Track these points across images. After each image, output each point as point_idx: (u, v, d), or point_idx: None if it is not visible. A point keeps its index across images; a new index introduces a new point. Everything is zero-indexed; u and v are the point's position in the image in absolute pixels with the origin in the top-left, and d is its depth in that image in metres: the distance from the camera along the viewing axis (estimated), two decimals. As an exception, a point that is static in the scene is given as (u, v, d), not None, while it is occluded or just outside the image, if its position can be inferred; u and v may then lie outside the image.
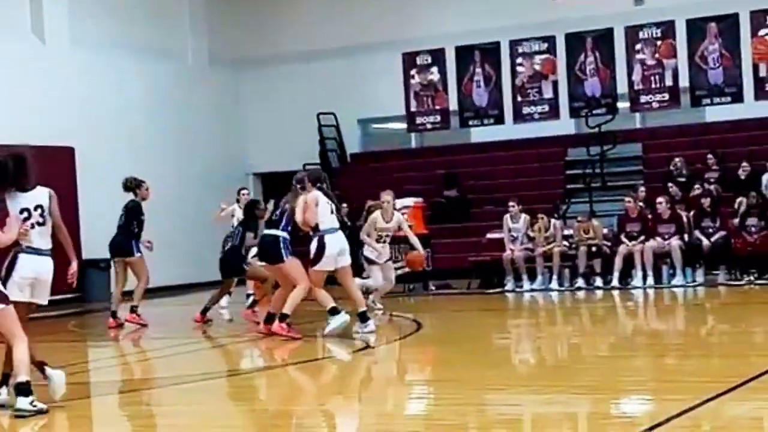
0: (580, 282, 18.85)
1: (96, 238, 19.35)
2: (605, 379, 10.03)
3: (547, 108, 23.51)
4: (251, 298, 16.86)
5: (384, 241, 16.49)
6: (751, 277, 18.08)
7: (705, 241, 18.48)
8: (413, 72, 24.62)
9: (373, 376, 11.50)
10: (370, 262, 16.46)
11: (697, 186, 19.88)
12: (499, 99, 23.93)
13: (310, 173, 13.92)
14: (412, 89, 24.68)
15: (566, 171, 23.26)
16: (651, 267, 18.51)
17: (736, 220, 18.70)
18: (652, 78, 22.55)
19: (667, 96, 22.51)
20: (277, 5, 26.51)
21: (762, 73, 21.79)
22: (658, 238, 18.62)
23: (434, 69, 24.45)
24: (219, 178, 24.96)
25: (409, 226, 16.94)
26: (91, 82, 23.00)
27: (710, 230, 18.62)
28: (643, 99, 22.78)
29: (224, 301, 17.47)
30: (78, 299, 20.35)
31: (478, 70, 24.02)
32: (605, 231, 19.33)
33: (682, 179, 20.40)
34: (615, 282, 18.59)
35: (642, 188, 20.11)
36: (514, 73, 23.74)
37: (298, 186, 13.70)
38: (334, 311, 13.42)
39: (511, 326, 15.87)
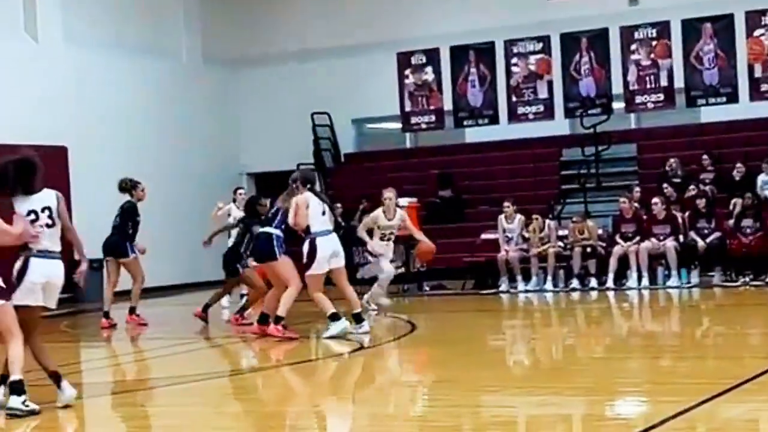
0: (574, 283, 18.81)
1: (89, 238, 19.18)
2: (600, 380, 10.01)
3: (541, 108, 23.47)
4: (244, 299, 16.80)
5: (388, 239, 16.41)
6: (747, 279, 18.04)
7: (700, 242, 18.45)
8: (408, 72, 24.57)
9: (367, 377, 11.46)
10: (376, 254, 16.42)
11: (692, 187, 19.85)
12: (493, 99, 23.89)
13: (301, 174, 13.85)
14: (406, 89, 24.64)
15: (561, 171, 23.23)
16: (646, 268, 18.48)
17: (732, 221, 18.67)
18: (647, 78, 22.52)
19: (662, 96, 22.48)
20: (272, 4, 26.47)
21: (757, 74, 21.78)
22: (653, 239, 18.59)
23: (429, 69, 24.40)
24: (213, 178, 24.90)
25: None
26: (85, 80, 22.92)
27: (705, 231, 18.59)
28: (638, 99, 22.76)
29: (225, 300, 17.43)
30: (70, 299, 20.28)
31: (473, 70, 23.98)
32: (600, 232, 19.31)
33: (677, 180, 20.37)
34: (610, 283, 18.56)
35: (637, 189, 20.08)
36: (508, 73, 23.69)
37: (294, 186, 13.66)
38: (334, 317, 13.38)
39: (506, 327, 15.85)
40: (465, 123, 24.36)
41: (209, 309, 16.18)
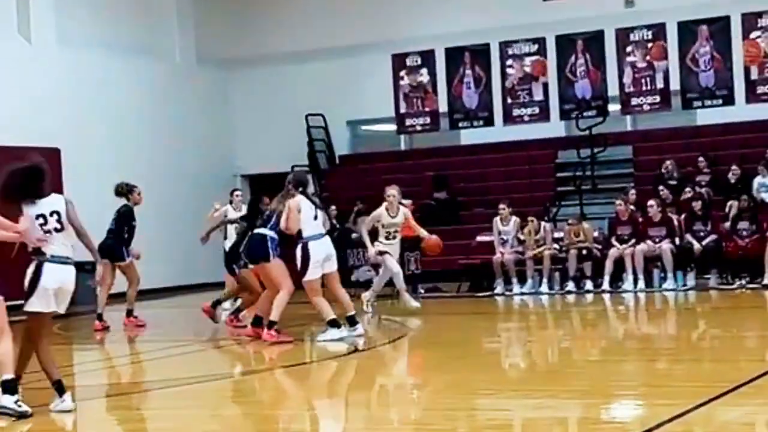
0: (570, 285, 18.77)
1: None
2: (596, 383, 9.97)
3: (537, 110, 23.42)
4: (239, 301, 16.74)
5: (393, 237, 16.32)
6: (743, 281, 18.02)
7: (696, 245, 18.42)
8: (402, 73, 24.52)
9: (362, 380, 11.39)
10: (382, 252, 16.35)
11: (688, 189, 19.81)
12: (488, 101, 23.83)
13: (294, 177, 13.75)
14: (401, 91, 24.58)
15: (556, 174, 23.18)
16: (642, 271, 18.45)
17: (728, 224, 18.65)
18: (643, 80, 22.47)
19: (658, 98, 22.43)
20: (266, 5, 26.40)
21: (753, 76, 21.73)
22: (649, 242, 18.56)
23: (424, 70, 24.34)
24: (207, 179, 24.84)
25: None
26: (78, 81, 22.84)
27: (701, 234, 18.56)
28: (634, 101, 22.71)
29: (228, 303, 17.37)
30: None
31: (468, 71, 23.92)
32: (596, 234, 19.27)
33: (673, 182, 20.34)
34: (605, 285, 18.52)
35: (632, 191, 20.04)
36: (504, 75, 23.64)
37: (289, 187, 13.61)
38: (334, 323, 13.33)
39: (501, 330, 15.79)
40: (460, 125, 24.31)
41: (219, 305, 16.13)
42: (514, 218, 19.37)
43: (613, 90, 22.79)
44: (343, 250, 19.24)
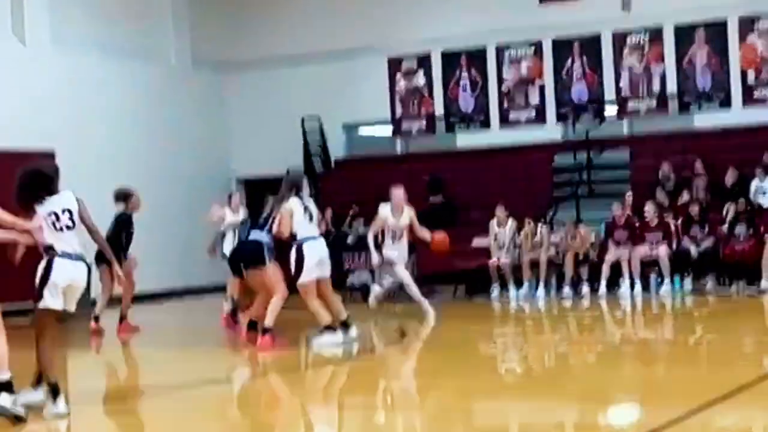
0: (567, 289, 18.71)
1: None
2: (592, 388, 9.94)
3: (533, 113, 23.41)
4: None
5: (399, 239, 16.17)
6: (740, 285, 17.96)
7: (693, 249, 18.38)
8: (399, 76, 24.51)
9: (357, 384, 11.35)
10: (390, 262, 16.20)
11: (684, 193, 19.75)
12: (485, 104, 23.83)
13: (288, 179, 13.64)
14: (397, 94, 24.57)
15: (553, 177, 23.10)
16: (638, 275, 18.41)
17: (725, 228, 18.59)
18: (640, 84, 22.46)
19: (654, 102, 22.43)
20: (262, 7, 26.34)
21: (750, 80, 21.75)
22: (646, 246, 18.50)
23: (420, 74, 24.34)
24: (202, 181, 24.77)
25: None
26: (73, 83, 22.76)
27: (698, 238, 18.52)
28: (631, 105, 22.70)
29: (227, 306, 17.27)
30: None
31: (465, 74, 23.91)
32: (592, 238, 19.21)
33: (670, 186, 20.29)
34: (602, 290, 18.46)
35: (629, 195, 19.98)
36: (500, 78, 23.63)
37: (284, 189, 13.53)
38: (329, 328, 13.27)
39: (498, 334, 15.74)
40: (456, 128, 24.28)
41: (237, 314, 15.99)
42: (510, 222, 19.31)
43: (609, 93, 22.79)
44: (339, 254, 19.18)
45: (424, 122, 24.45)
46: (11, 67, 21.80)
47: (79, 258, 9.15)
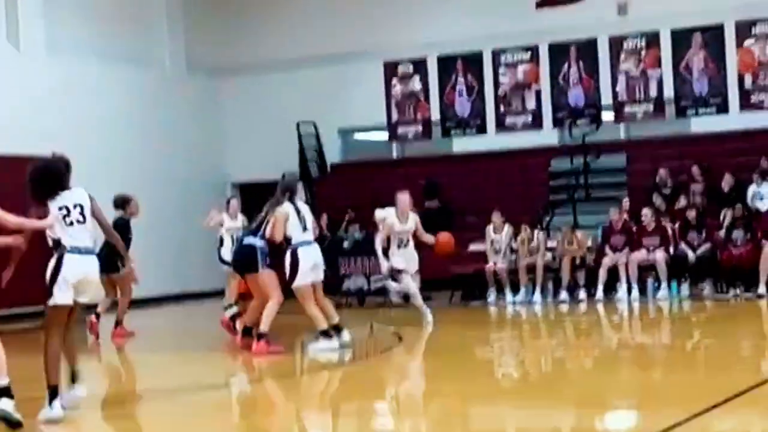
0: (563, 294, 18.66)
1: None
2: (589, 393, 9.91)
3: (530, 118, 23.38)
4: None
5: (405, 245, 16.07)
6: (737, 290, 17.92)
7: (690, 254, 18.34)
8: (395, 81, 24.49)
9: (353, 390, 11.29)
10: (399, 271, 16.06)
11: (682, 198, 19.72)
12: (481, 109, 23.82)
13: (283, 183, 13.59)
14: (393, 99, 24.55)
15: (550, 182, 23.07)
16: (636, 279, 18.37)
17: (722, 233, 18.54)
18: (637, 88, 22.45)
19: (651, 107, 22.41)
20: (257, 12, 26.30)
21: (747, 84, 21.74)
22: (643, 251, 18.45)
23: (416, 78, 24.31)
24: (197, 186, 24.73)
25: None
26: (68, 89, 22.70)
27: (696, 243, 18.47)
28: (628, 109, 22.68)
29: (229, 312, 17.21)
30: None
31: (461, 79, 23.89)
32: (589, 243, 19.17)
33: (667, 191, 20.26)
34: (599, 294, 18.41)
35: (626, 200, 19.94)
36: (496, 83, 23.61)
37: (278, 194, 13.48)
38: (325, 334, 13.21)
39: (494, 339, 15.69)
40: (452, 133, 24.26)
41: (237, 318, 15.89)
42: (506, 227, 19.26)
43: (606, 98, 22.76)
44: (335, 259, 19.13)
45: (420, 127, 24.42)
46: (6, 73, 21.77)
47: (89, 252, 9.20)
